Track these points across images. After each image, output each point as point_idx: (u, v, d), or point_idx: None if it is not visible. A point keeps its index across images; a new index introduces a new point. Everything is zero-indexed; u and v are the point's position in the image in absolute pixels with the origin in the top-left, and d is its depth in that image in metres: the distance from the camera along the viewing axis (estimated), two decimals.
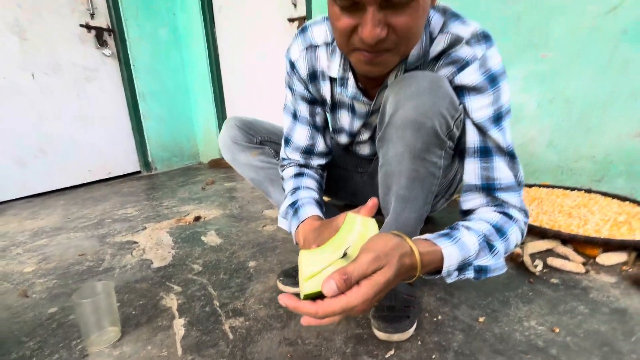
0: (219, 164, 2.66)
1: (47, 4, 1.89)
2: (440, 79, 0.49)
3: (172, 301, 0.83)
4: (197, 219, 1.42)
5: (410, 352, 0.63)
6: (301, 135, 0.72)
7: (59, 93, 1.98)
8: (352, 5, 0.42)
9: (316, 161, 0.76)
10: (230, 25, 2.45)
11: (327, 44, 0.63)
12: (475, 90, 0.51)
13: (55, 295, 0.88)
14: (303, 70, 0.66)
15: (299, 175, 0.73)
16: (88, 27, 2.09)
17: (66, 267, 1.03)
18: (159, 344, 0.68)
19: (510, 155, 0.53)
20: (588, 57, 1.31)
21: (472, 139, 0.53)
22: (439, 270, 0.47)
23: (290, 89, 0.71)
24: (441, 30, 0.53)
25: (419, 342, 0.65)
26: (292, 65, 0.67)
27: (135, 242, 1.21)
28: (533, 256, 0.96)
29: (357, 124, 0.70)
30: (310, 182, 0.72)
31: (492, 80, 0.51)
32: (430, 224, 1.16)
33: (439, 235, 0.48)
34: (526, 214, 0.56)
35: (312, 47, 0.64)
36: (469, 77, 0.51)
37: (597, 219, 1.03)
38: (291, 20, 2.11)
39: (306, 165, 0.75)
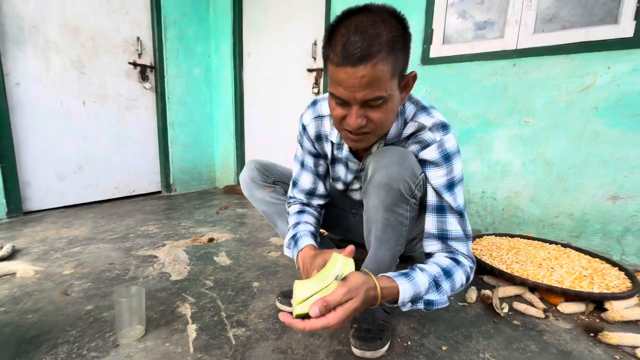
0: (233, 190, 2.87)
1: (104, 45, 2.23)
2: (407, 153, 0.68)
3: (186, 309, 0.99)
4: (211, 240, 1.59)
5: None
6: (306, 180, 0.91)
7: (102, 118, 2.27)
8: (344, 102, 0.62)
9: (316, 201, 0.94)
10: (256, 69, 2.77)
11: (330, 116, 0.84)
12: (434, 164, 0.69)
13: (91, 296, 1.05)
14: (312, 132, 0.86)
15: (300, 212, 0.91)
16: (135, 64, 2.41)
17: (98, 273, 1.21)
18: (175, 343, 0.83)
19: (459, 214, 0.70)
20: (564, 126, 1.50)
21: (431, 199, 0.71)
22: (396, 300, 0.63)
23: (301, 144, 0.91)
24: (412, 119, 0.72)
25: None
26: (304, 128, 0.88)
27: (156, 257, 1.38)
28: (502, 300, 1.09)
29: (350, 176, 0.89)
30: (309, 218, 0.90)
31: (446, 158, 0.69)
32: (409, 262, 1.30)
33: (399, 274, 0.65)
34: (473, 261, 0.72)
35: (319, 117, 0.85)
36: (429, 154, 0.69)
37: (563, 271, 1.15)
38: (310, 70, 2.40)
39: (308, 204, 0.94)
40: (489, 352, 0.83)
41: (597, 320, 0.99)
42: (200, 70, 2.85)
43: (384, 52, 0.55)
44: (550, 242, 1.46)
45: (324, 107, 0.84)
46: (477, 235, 1.54)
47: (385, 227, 0.72)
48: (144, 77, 2.49)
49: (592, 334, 0.91)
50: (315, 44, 2.35)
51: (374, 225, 0.75)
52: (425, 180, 0.70)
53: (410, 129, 0.72)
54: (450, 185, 0.69)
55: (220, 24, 2.81)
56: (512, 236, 1.54)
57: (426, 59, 1.84)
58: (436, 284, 0.66)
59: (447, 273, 0.67)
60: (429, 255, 0.75)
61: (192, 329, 0.89)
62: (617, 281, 1.10)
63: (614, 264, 1.24)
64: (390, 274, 0.65)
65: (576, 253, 1.34)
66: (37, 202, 2.00)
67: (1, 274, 1.15)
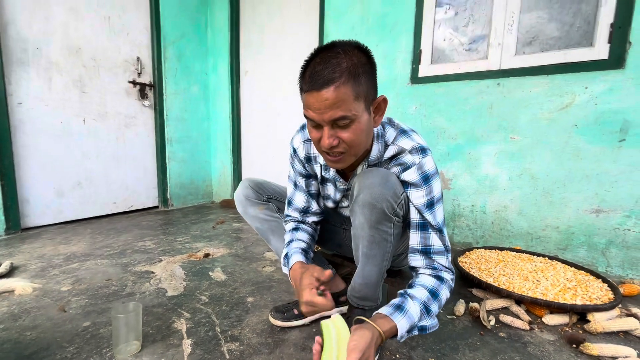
0: (229, 204, 2.90)
1: (105, 64, 2.31)
2: (389, 175, 0.73)
3: (182, 325, 1.01)
4: (207, 255, 1.62)
5: None
6: (299, 199, 0.95)
7: (102, 136, 2.32)
8: (317, 125, 0.68)
9: (311, 218, 0.98)
10: (252, 87, 2.85)
11: None
12: (414, 185, 0.74)
13: (88, 312, 1.07)
14: (302, 155, 0.92)
15: (294, 229, 0.96)
16: (134, 83, 2.48)
17: (96, 289, 1.23)
18: (170, 358, 0.85)
19: (439, 231, 0.75)
20: (547, 143, 1.56)
21: (414, 217, 0.76)
22: (396, 335, 0.68)
23: (292, 166, 0.96)
24: (392, 142, 0.78)
25: None
26: (295, 151, 0.93)
27: (153, 272, 1.41)
28: (490, 312, 1.12)
29: (339, 195, 0.93)
30: (301, 235, 0.94)
31: (426, 179, 0.74)
32: (399, 277, 1.34)
33: (394, 309, 0.70)
34: (452, 272, 0.78)
35: (308, 140, 0.90)
36: (409, 176, 0.74)
37: (548, 283, 1.19)
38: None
39: (303, 221, 0.98)
40: None
41: (580, 332, 1.02)
42: (198, 88, 2.93)
43: (345, 77, 0.63)
44: (538, 255, 1.50)
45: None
46: (468, 249, 1.58)
47: (371, 244, 0.77)
48: (143, 95, 2.56)
49: (574, 345, 0.95)
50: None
51: (360, 242, 0.79)
52: (407, 199, 0.75)
53: (391, 151, 0.78)
54: (430, 205, 0.74)
55: (218, 43, 2.91)
56: (502, 249, 1.58)
57: (415, 78, 1.92)
58: (427, 310, 0.71)
59: (434, 294, 0.73)
60: (414, 268, 0.80)
61: (187, 344, 0.91)
62: (600, 293, 1.14)
63: (598, 276, 1.28)
64: (386, 310, 0.70)
65: (562, 265, 1.38)
66: (36, 218, 2.03)
67: (0, 292, 1.18)
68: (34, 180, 2.00)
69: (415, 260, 0.78)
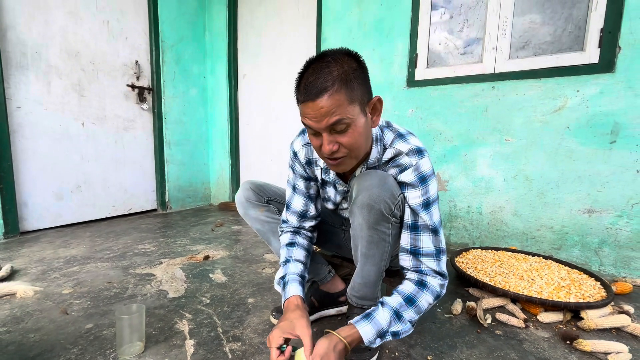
0: (228, 207, 2.91)
1: (104, 68, 2.32)
2: (386, 176, 0.75)
3: (184, 326, 1.02)
4: (207, 258, 1.63)
5: None
6: (298, 203, 0.97)
7: (101, 139, 2.33)
8: (316, 132, 0.70)
9: (308, 223, 1.00)
10: (250, 90, 2.88)
11: None
12: (411, 185, 0.76)
13: (91, 314, 1.08)
14: (302, 158, 0.94)
15: (290, 244, 0.94)
16: (133, 87, 2.50)
17: (97, 292, 1.24)
18: (173, 358, 0.87)
19: (434, 231, 0.76)
20: (541, 145, 1.60)
21: (408, 217, 0.78)
22: (362, 342, 0.71)
23: (292, 169, 0.97)
24: (390, 145, 0.80)
25: None
26: (295, 154, 0.95)
27: (154, 275, 1.42)
28: (486, 311, 1.15)
29: (339, 197, 0.96)
30: (298, 253, 0.92)
31: (422, 180, 0.76)
32: (397, 277, 1.35)
33: (362, 317, 0.73)
34: (443, 276, 0.79)
35: (308, 144, 0.92)
36: (406, 177, 0.76)
37: (543, 282, 1.22)
38: None
39: (300, 228, 0.98)
40: None
41: (574, 329, 1.05)
42: (197, 91, 2.94)
43: (337, 85, 0.65)
44: (533, 255, 1.53)
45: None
46: (464, 249, 1.61)
47: (369, 244, 0.79)
48: (141, 99, 2.57)
49: (568, 342, 0.97)
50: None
51: (359, 242, 0.81)
52: (404, 200, 0.77)
53: (389, 154, 0.80)
54: (427, 205, 0.76)
55: (216, 47, 2.93)
56: (497, 249, 1.61)
57: (411, 82, 1.95)
58: (398, 316, 0.73)
59: (411, 301, 0.75)
60: (403, 269, 0.83)
61: (189, 345, 0.93)
62: (593, 291, 1.17)
63: (591, 274, 1.31)
64: (354, 319, 0.74)
65: (556, 265, 1.41)
66: (34, 222, 2.03)
67: (1, 295, 1.18)
68: (32, 184, 2.00)
69: (404, 260, 0.81)
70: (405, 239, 0.79)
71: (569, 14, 1.53)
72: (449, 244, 1.90)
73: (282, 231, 1.00)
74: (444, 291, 0.80)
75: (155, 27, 2.57)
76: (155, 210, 2.78)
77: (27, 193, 1.98)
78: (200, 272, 1.46)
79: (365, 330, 0.71)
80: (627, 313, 1.11)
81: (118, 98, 2.42)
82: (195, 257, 1.63)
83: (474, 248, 1.63)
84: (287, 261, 0.91)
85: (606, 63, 1.43)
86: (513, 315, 1.11)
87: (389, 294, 0.80)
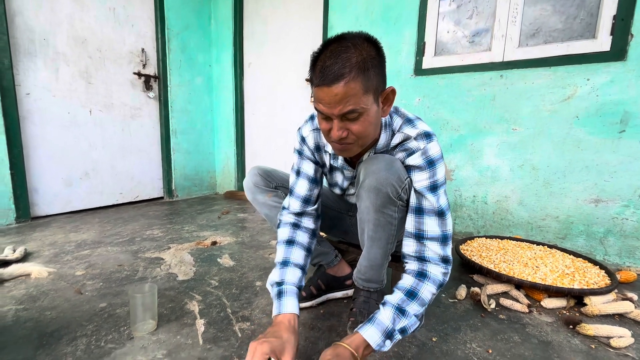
0: (233, 196, 2.94)
1: (111, 56, 2.32)
2: (393, 160, 0.76)
3: (194, 306, 1.05)
4: (214, 243, 1.66)
5: (374, 356, 0.83)
6: (302, 187, 0.97)
7: (108, 127, 2.35)
8: (327, 117, 0.70)
9: (311, 207, 1.00)
10: (256, 79, 2.87)
11: None
12: (418, 168, 0.77)
13: (104, 294, 1.11)
14: (311, 143, 0.94)
15: (290, 243, 0.88)
16: (139, 75, 2.50)
17: (109, 274, 1.27)
18: (185, 336, 0.90)
19: (440, 214, 0.76)
20: (549, 134, 1.59)
21: (413, 201, 0.78)
22: (370, 346, 0.68)
23: (300, 153, 0.98)
24: (398, 130, 0.80)
25: (383, 351, 0.85)
26: (303, 139, 0.95)
27: (163, 259, 1.45)
28: (490, 296, 1.16)
29: (346, 182, 0.97)
30: (297, 254, 0.86)
31: (430, 163, 0.76)
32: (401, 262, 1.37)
33: (365, 322, 0.70)
34: (447, 262, 0.77)
35: (317, 130, 0.93)
36: (414, 160, 0.77)
37: (547, 269, 1.23)
38: (308, 80, 2.49)
39: (302, 213, 0.95)
40: (475, 343, 0.90)
41: (577, 314, 1.07)
42: (202, 80, 2.94)
43: (355, 72, 0.64)
44: (538, 244, 1.53)
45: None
46: (469, 237, 1.62)
47: (376, 227, 0.80)
48: (148, 87, 2.57)
49: (571, 326, 0.99)
50: (311, 57, 2.45)
51: (366, 226, 0.82)
52: (411, 184, 0.78)
53: (397, 139, 0.80)
54: (433, 187, 0.76)
55: (222, 35, 2.92)
56: (502, 238, 1.62)
57: (419, 70, 1.94)
58: (401, 311, 0.71)
59: (412, 294, 0.73)
60: (405, 257, 0.80)
61: (200, 324, 0.95)
62: (597, 278, 1.18)
63: (595, 263, 1.31)
64: (358, 327, 0.71)
65: (561, 253, 1.42)
66: (45, 207, 2.07)
67: (17, 275, 1.22)
68: (42, 170, 2.03)
69: (408, 245, 0.79)
70: (409, 222, 0.78)
71: (581, 1, 1.51)
72: (454, 233, 1.91)
73: (280, 220, 0.95)
74: (447, 279, 0.77)
75: (161, 15, 2.56)
76: (162, 198, 2.81)
77: (38, 179, 2.01)
78: (208, 256, 1.49)
79: (370, 333, 0.68)
80: (630, 300, 1.12)
81: (125, 86, 2.43)
82: (202, 243, 1.66)
83: (478, 236, 1.65)
84: (285, 264, 0.84)
85: (618, 51, 1.41)
86: (517, 300, 1.13)
87: (394, 283, 0.79)
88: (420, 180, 0.76)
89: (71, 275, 1.26)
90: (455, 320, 1.02)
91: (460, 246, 1.49)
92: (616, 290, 1.17)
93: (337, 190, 1.03)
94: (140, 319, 0.90)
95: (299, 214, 0.94)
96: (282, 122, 2.76)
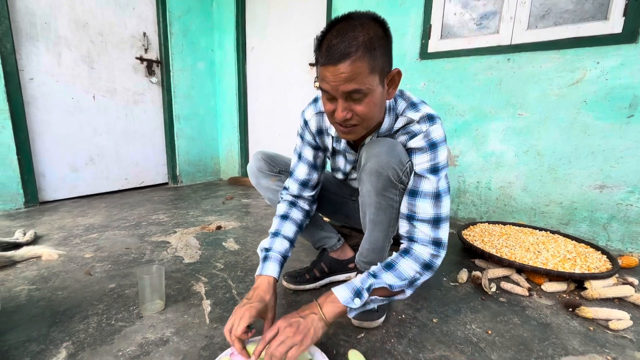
0: (237, 182, 2.96)
1: (112, 40, 2.30)
2: (395, 144, 0.76)
3: (200, 288, 1.08)
4: (219, 227, 1.68)
5: (376, 336, 0.86)
6: (301, 171, 0.98)
7: (111, 112, 2.35)
8: (332, 97, 0.70)
9: (308, 193, 1.00)
10: (259, 64, 2.84)
11: None
12: (419, 150, 0.76)
13: (113, 276, 1.14)
14: (313, 127, 0.94)
15: (284, 217, 0.94)
16: (141, 59, 2.48)
17: (117, 257, 1.30)
18: (192, 315, 0.92)
19: (436, 196, 0.76)
20: (555, 119, 1.57)
21: (410, 183, 0.78)
22: (344, 307, 0.70)
23: (302, 137, 0.98)
24: (402, 114, 0.80)
25: (384, 331, 0.88)
26: (306, 123, 0.95)
27: (169, 242, 1.48)
28: (491, 280, 1.18)
29: (349, 166, 0.97)
30: (288, 228, 0.91)
31: (432, 145, 0.76)
32: None
33: (340, 285, 0.73)
34: (438, 245, 0.77)
35: (321, 113, 0.93)
36: (416, 143, 0.77)
37: (549, 254, 1.24)
38: (312, 64, 2.46)
39: (299, 197, 0.98)
40: (475, 324, 0.92)
41: (577, 298, 1.08)
42: (205, 65, 2.92)
43: (361, 52, 0.63)
44: (540, 229, 1.54)
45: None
46: (471, 223, 1.62)
47: (377, 210, 0.80)
48: (150, 72, 2.56)
49: (570, 309, 1.00)
50: (317, 38, 2.40)
51: (368, 209, 0.83)
52: (412, 167, 0.78)
53: (400, 123, 0.80)
54: (434, 170, 0.76)
55: (224, 19, 2.87)
56: (505, 224, 1.62)
57: (424, 54, 1.90)
58: (374, 276, 0.73)
59: (389, 265, 0.75)
60: (400, 238, 0.82)
61: (206, 304, 0.98)
62: (599, 263, 1.19)
63: (597, 248, 1.32)
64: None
65: (563, 239, 1.42)
66: (52, 192, 2.10)
67: (28, 257, 1.25)
68: (48, 155, 2.05)
69: (402, 226, 0.81)
70: (403, 204, 0.79)
71: None
72: (456, 219, 1.92)
73: (281, 198, 1.00)
74: (437, 262, 0.77)
75: None
76: (166, 183, 2.84)
77: (44, 164, 2.04)
78: (213, 240, 1.52)
79: (338, 289, 0.71)
80: (631, 284, 1.13)
81: (127, 71, 2.41)
82: (207, 227, 1.68)
83: (481, 222, 1.65)
84: (276, 234, 0.90)
85: (630, 33, 1.37)
86: (517, 284, 1.14)
87: None
88: (421, 162, 0.76)
89: (80, 257, 1.29)
90: (455, 303, 1.03)
91: (463, 231, 1.50)
92: (617, 275, 1.18)
93: (339, 175, 1.04)
94: (148, 299, 0.92)
95: (297, 196, 0.99)
96: (286, 107, 2.74)
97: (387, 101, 0.80)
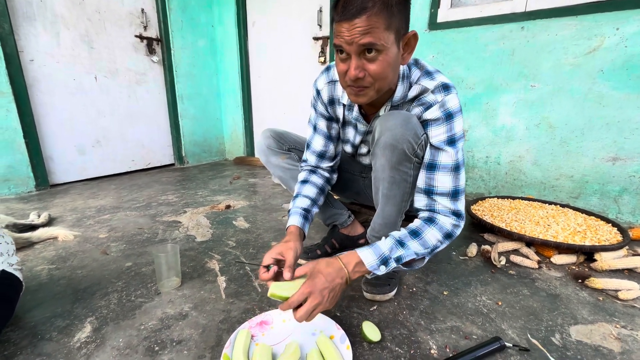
0: (243, 161, 2.96)
1: (110, 17, 2.23)
2: (410, 116, 0.74)
3: (214, 265, 1.10)
4: (228, 207, 1.70)
5: (388, 308, 0.88)
6: (318, 142, 0.98)
7: (114, 93, 2.32)
8: (346, 55, 0.68)
9: (326, 164, 1.01)
10: (261, 39, 2.75)
11: None
12: (435, 122, 0.75)
13: (128, 255, 1.17)
14: (325, 97, 0.92)
15: (304, 181, 0.98)
16: (141, 38, 2.42)
17: (130, 236, 1.33)
18: (208, 291, 0.95)
19: (455, 169, 0.75)
20: (569, 90, 1.52)
21: (427, 157, 0.77)
22: (364, 265, 0.70)
23: (315, 108, 0.97)
24: (416, 82, 0.78)
25: (395, 303, 0.90)
26: (318, 93, 0.93)
27: (180, 222, 1.50)
28: (501, 254, 1.19)
29: (358, 138, 0.95)
30: (308, 190, 0.95)
31: (448, 116, 0.74)
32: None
33: (366, 247, 0.72)
34: (459, 217, 0.77)
35: (332, 82, 0.90)
36: (431, 114, 0.75)
37: (559, 227, 1.24)
38: (316, 39, 2.38)
39: (316, 169, 1.00)
40: (485, 296, 0.94)
41: (586, 270, 1.09)
42: (205, 42, 2.84)
43: (378, 7, 0.62)
44: (550, 203, 1.53)
45: (337, 73, 0.89)
46: (480, 198, 1.62)
47: (391, 185, 0.80)
48: (151, 50, 2.50)
49: (580, 281, 1.01)
50: (320, 11, 2.32)
51: (381, 184, 0.82)
52: (427, 140, 0.77)
53: (414, 91, 0.78)
54: (451, 141, 0.75)
55: None
56: (514, 198, 1.61)
57: (433, 24, 1.82)
58: (401, 244, 0.72)
59: (414, 233, 0.74)
60: (418, 210, 0.82)
61: (221, 280, 1.01)
62: (609, 235, 1.19)
63: (608, 220, 1.32)
64: (357, 249, 0.73)
65: (573, 212, 1.42)
66: (61, 175, 2.12)
67: (45, 238, 1.28)
68: (55, 138, 2.05)
69: (419, 200, 0.80)
70: (421, 178, 0.78)
71: None
72: (465, 194, 1.91)
73: (301, 168, 1.03)
74: (457, 232, 0.78)
75: None
76: (172, 164, 2.85)
77: (51, 147, 2.04)
78: (224, 219, 1.53)
79: (366, 254, 0.70)
80: None
81: (128, 50, 2.36)
82: (217, 207, 1.70)
83: (490, 197, 1.65)
84: (297, 196, 0.96)
85: None
86: (527, 257, 1.15)
87: None
88: (438, 134, 0.75)
89: (95, 237, 1.32)
90: (465, 276, 1.05)
91: (472, 206, 1.50)
92: (627, 247, 1.18)
93: (348, 148, 1.02)
94: (165, 276, 0.95)
95: (316, 167, 1.01)
96: (289, 84, 2.69)
97: (402, 67, 0.77)
